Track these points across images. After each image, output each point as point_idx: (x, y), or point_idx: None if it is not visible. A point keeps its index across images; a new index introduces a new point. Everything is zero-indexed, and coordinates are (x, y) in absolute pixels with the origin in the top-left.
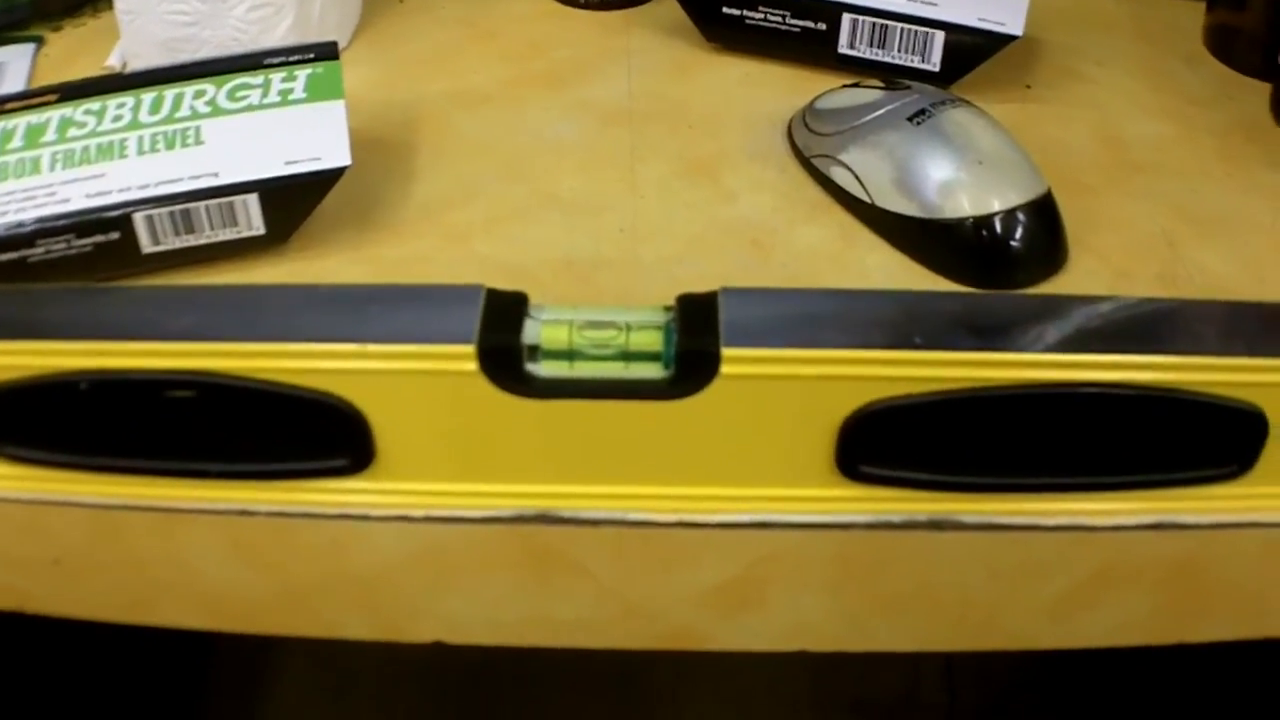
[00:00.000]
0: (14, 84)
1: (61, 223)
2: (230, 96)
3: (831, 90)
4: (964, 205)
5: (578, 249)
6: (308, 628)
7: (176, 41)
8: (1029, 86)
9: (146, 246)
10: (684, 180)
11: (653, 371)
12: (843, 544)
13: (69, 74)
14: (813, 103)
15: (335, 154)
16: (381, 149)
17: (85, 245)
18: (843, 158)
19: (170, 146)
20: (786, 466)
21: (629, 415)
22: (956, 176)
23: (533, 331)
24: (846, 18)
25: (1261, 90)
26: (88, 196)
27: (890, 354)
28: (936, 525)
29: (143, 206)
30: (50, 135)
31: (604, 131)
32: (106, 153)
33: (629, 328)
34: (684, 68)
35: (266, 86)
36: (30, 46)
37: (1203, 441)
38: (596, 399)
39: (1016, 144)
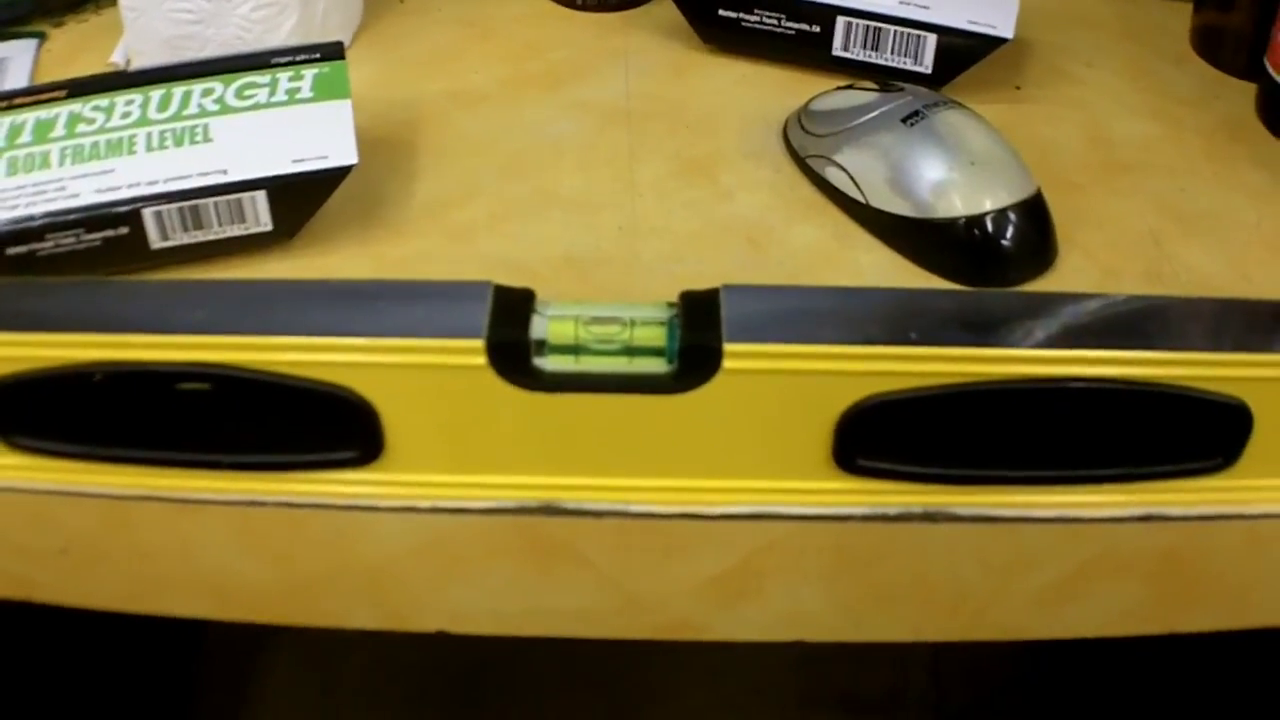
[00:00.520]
0: (17, 80)
1: (71, 217)
2: (238, 95)
3: (826, 92)
4: (956, 205)
5: (578, 247)
6: (313, 617)
7: (180, 39)
8: (1019, 87)
9: (155, 242)
10: (681, 180)
11: (656, 366)
12: (839, 535)
13: (72, 70)
14: (808, 104)
15: (342, 152)
16: (384, 148)
17: (94, 240)
18: (838, 158)
19: (179, 143)
20: (785, 459)
21: (632, 409)
22: (949, 177)
23: (540, 327)
24: (840, 20)
25: (1247, 90)
26: (97, 191)
27: (887, 349)
28: (930, 517)
29: (152, 202)
30: (59, 130)
31: (602, 131)
32: (115, 148)
33: (633, 323)
34: (681, 69)
35: (274, 85)
36: (33, 42)
37: (1189, 435)
38: (601, 393)
39: (1008, 145)
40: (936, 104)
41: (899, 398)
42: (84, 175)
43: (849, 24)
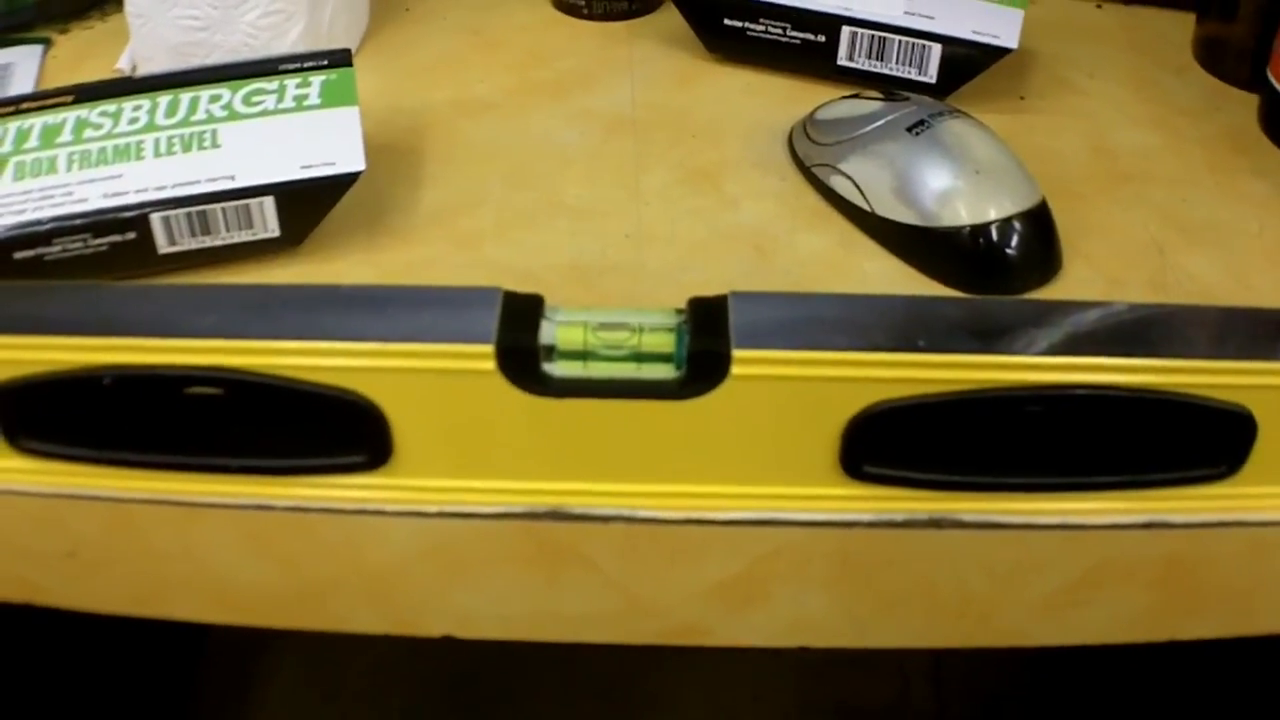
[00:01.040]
0: (22, 85)
1: (78, 222)
2: (246, 101)
3: (831, 101)
4: (961, 214)
5: (585, 254)
6: (319, 621)
7: (187, 46)
8: (1023, 98)
9: (163, 247)
10: (687, 188)
11: (664, 372)
12: (845, 542)
13: (78, 76)
14: (813, 113)
15: (350, 159)
16: (390, 155)
17: (101, 245)
18: (843, 167)
19: (187, 149)
20: (792, 465)
21: (640, 415)
22: (954, 185)
23: (549, 332)
24: (846, 30)
25: (1249, 101)
26: (105, 197)
27: (895, 356)
28: (936, 524)
29: (160, 207)
30: (66, 136)
31: (608, 140)
32: (123, 154)
33: (642, 329)
34: (686, 78)
35: (282, 91)
36: (38, 48)
37: (1193, 442)
38: (609, 398)
39: (1012, 154)
40: (942, 113)
41: (906, 404)
42: (91, 180)
43: (854, 34)
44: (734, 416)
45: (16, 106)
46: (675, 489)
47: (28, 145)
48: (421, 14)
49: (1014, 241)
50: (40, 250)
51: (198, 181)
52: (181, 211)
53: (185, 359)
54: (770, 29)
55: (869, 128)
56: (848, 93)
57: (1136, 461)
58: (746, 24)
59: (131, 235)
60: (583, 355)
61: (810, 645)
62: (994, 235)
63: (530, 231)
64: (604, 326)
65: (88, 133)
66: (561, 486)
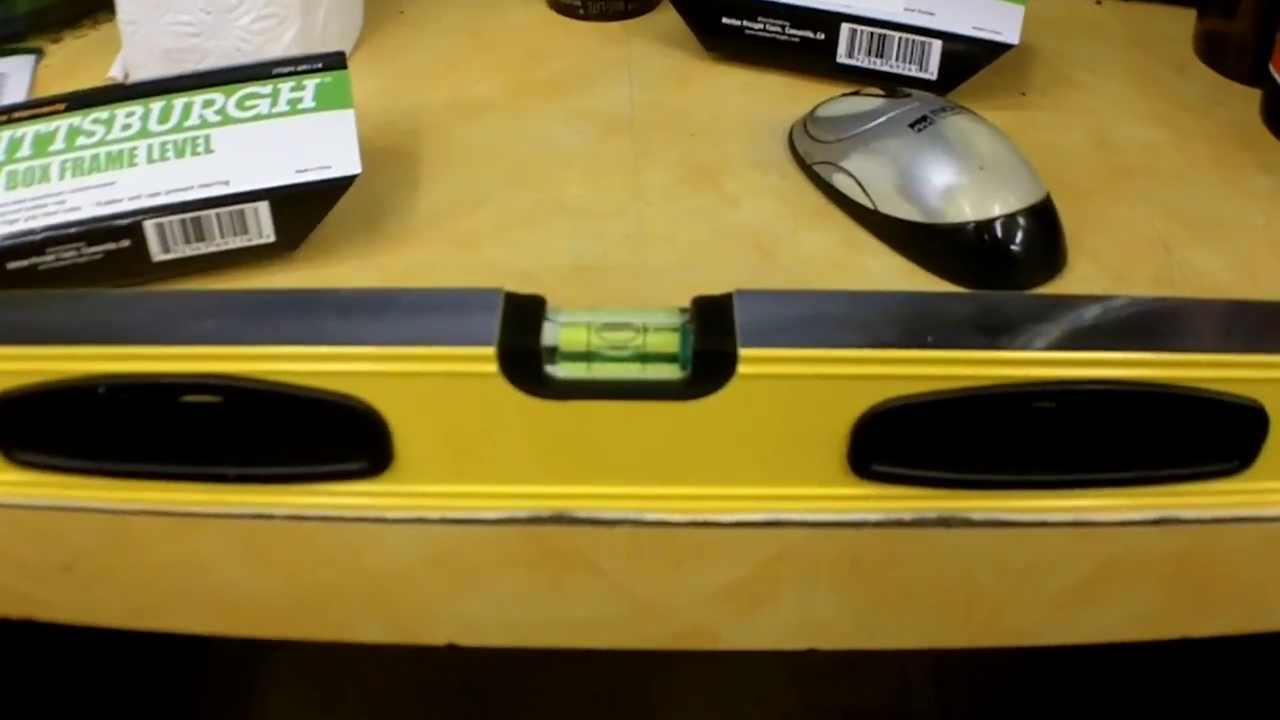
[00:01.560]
0: (14, 95)
1: (72, 230)
2: (239, 105)
3: (832, 98)
4: (965, 210)
5: (586, 255)
6: (321, 631)
7: (180, 52)
8: (1024, 94)
9: (157, 254)
10: (688, 187)
11: (669, 373)
12: (854, 542)
13: (70, 85)
14: (814, 111)
15: (345, 162)
16: (387, 158)
17: (95, 253)
18: (845, 164)
19: (180, 155)
20: (800, 466)
21: (645, 416)
22: (958, 182)
23: (551, 334)
24: (845, 27)
25: (1251, 96)
26: (98, 204)
27: (903, 353)
28: (945, 523)
29: (153, 214)
30: (59, 144)
31: (607, 139)
32: (116, 161)
33: (645, 329)
34: (684, 77)
35: (275, 95)
36: (30, 58)
37: (1205, 437)
38: (613, 400)
39: (1016, 149)
40: (944, 109)
41: (915, 402)
42: (84, 188)
43: (853, 31)
44: (740, 417)
45: (9, 116)
46: (681, 491)
47: (20, 154)
48: (416, 16)
49: (1019, 237)
50: (34, 260)
51: (191, 187)
52: (175, 218)
53: (181, 366)
54: (769, 27)
55: (871, 124)
56: (847, 90)
57: (1148, 457)
58: (745, 22)
59: (125, 243)
60: (586, 357)
61: (819, 647)
62: (999, 231)
63: (530, 232)
64: (607, 327)
65: (80, 140)
66: (565, 490)
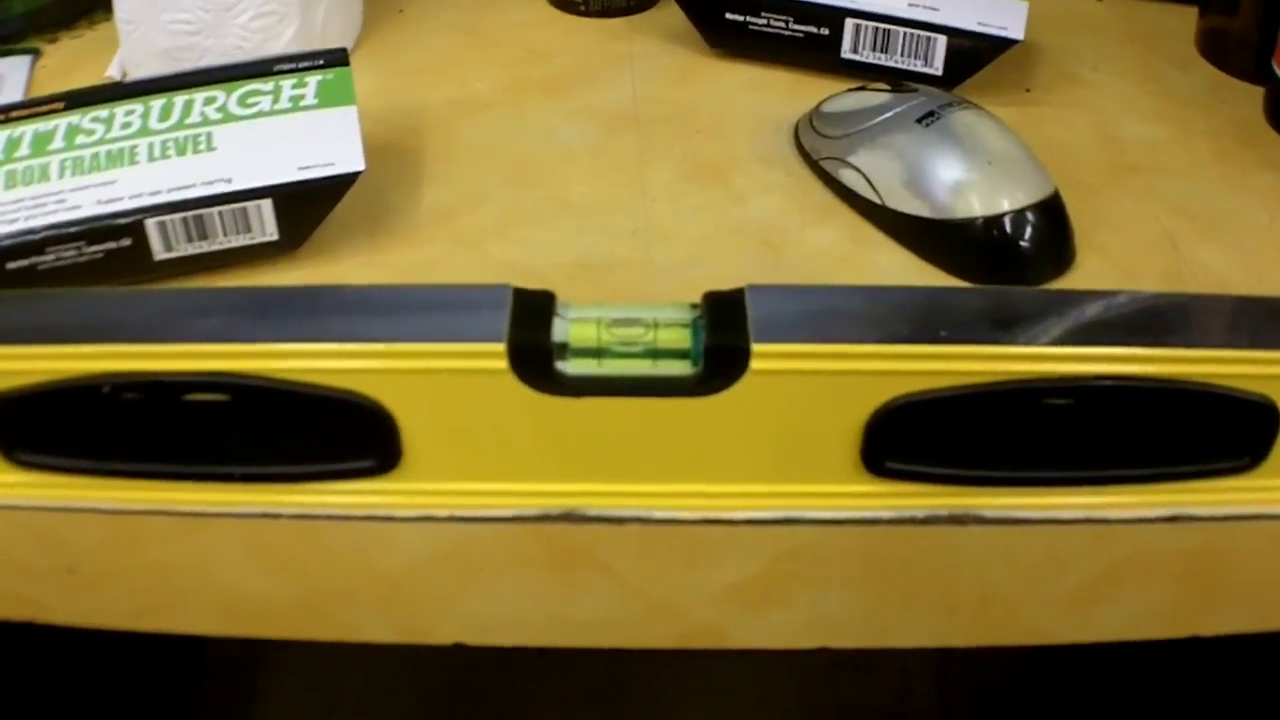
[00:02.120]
0: (11, 96)
1: (72, 229)
2: (241, 103)
3: (838, 94)
4: (974, 205)
5: (591, 252)
6: (327, 631)
7: (179, 50)
8: (1029, 90)
9: (159, 253)
10: (693, 183)
11: (680, 369)
12: (866, 540)
13: (67, 86)
14: (819, 106)
15: (349, 159)
16: (389, 156)
17: (96, 252)
18: (852, 160)
19: (181, 153)
20: (812, 462)
21: (655, 413)
22: (966, 177)
23: (561, 330)
24: (849, 23)
25: (1254, 94)
26: (99, 203)
27: (917, 348)
28: (958, 520)
29: (155, 213)
30: (58, 143)
31: (611, 136)
32: (116, 159)
33: (656, 325)
34: (688, 73)
35: (277, 93)
36: (27, 58)
37: (1217, 434)
38: (624, 396)
39: (1024, 145)
40: (951, 104)
41: (929, 398)
42: (85, 187)
43: (858, 26)
44: (753, 413)
45: (7, 115)
46: (692, 489)
47: (19, 153)
48: (415, 14)
49: (1028, 233)
50: (34, 259)
51: (193, 185)
52: (177, 216)
53: (186, 364)
54: (773, 22)
55: (878, 120)
56: (853, 86)
57: (1160, 454)
58: (748, 18)
59: (127, 242)
60: (596, 353)
61: (829, 646)
62: (1008, 227)
63: (535, 230)
64: (618, 323)
65: (80, 139)
66: (575, 488)
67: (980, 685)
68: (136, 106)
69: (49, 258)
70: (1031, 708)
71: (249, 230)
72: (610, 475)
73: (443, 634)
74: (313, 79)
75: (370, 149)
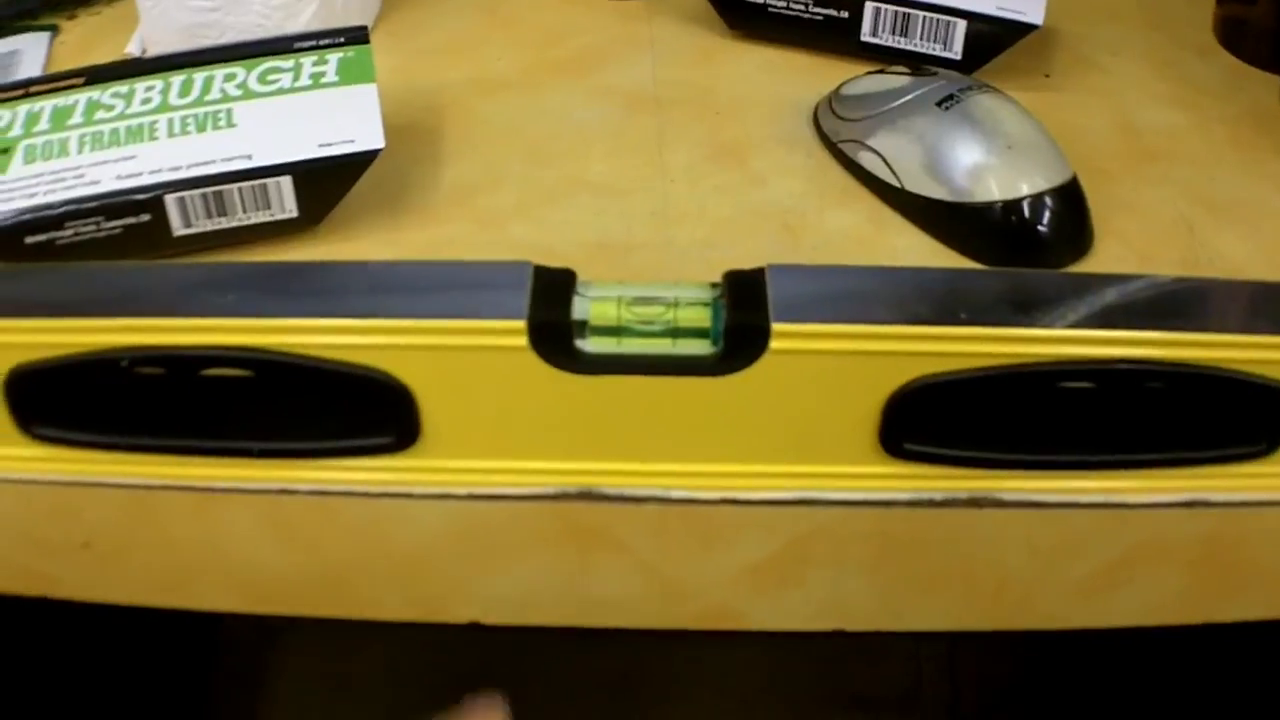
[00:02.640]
0: (30, 73)
1: (91, 205)
2: (261, 80)
3: (857, 76)
4: (993, 189)
5: (610, 232)
6: (343, 608)
7: (198, 27)
8: (1048, 75)
9: (178, 229)
10: (712, 164)
11: (700, 348)
12: (883, 522)
13: (86, 62)
14: (839, 89)
15: (369, 137)
16: (408, 135)
17: (115, 227)
18: (871, 142)
19: (201, 129)
20: (831, 443)
21: (675, 392)
22: (986, 161)
23: (581, 308)
24: (869, 6)
25: (1271, 82)
26: (118, 178)
27: (937, 330)
28: (976, 503)
29: (175, 188)
30: (77, 118)
31: (629, 117)
32: (136, 135)
33: (677, 304)
34: (707, 55)
35: (297, 70)
36: (45, 35)
37: (1234, 419)
38: (644, 375)
39: (1043, 129)
40: (971, 88)
41: (948, 379)
42: (104, 162)
43: (877, 9)
44: (772, 393)
45: (26, 90)
46: (710, 468)
47: (38, 128)
48: None
49: (1046, 217)
50: (52, 234)
51: (213, 161)
52: (197, 192)
53: (205, 339)
54: (792, 5)
55: (897, 103)
56: (872, 69)
57: (1177, 438)
58: (767, 1)
59: (146, 217)
60: (616, 331)
61: (845, 629)
62: (1026, 211)
63: (554, 209)
64: (638, 301)
65: (99, 114)
66: (593, 466)
67: (991, 674)
68: (157, 82)
69: (68, 233)
70: (1041, 696)
71: (268, 207)
72: (628, 454)
73: (458, 612)
74: (333, 56)
75: (389, 128)
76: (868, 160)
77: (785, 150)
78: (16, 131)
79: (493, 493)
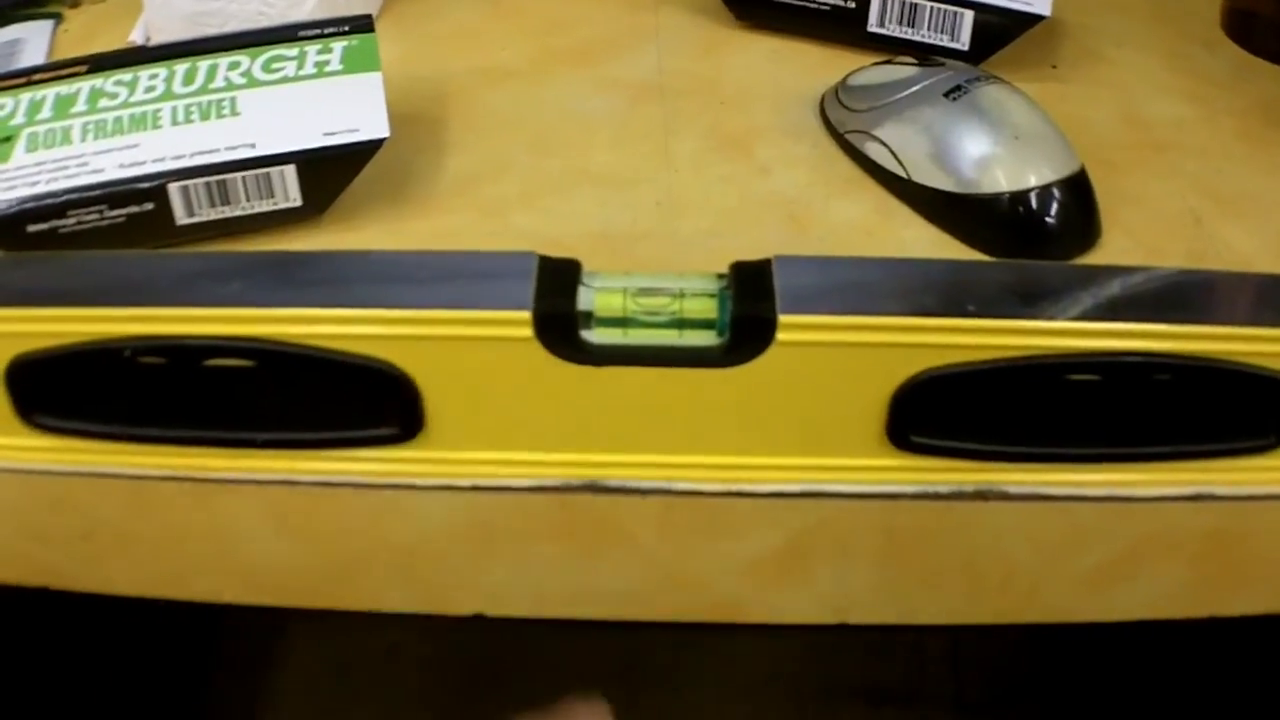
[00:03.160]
0: (33, 60)
1: (94, 193)
2: (265, 68)
3: (864, 67)
4: (1000, 180)
5: (615, 222)
6: (345, 600)
7: (202, 16)
8: (1054, 66)
9: (181, 218)
10: (717, 155)
11: (707, 339)
12: (889, 515)
13: (89, 50)
14: (846, 79)
15: (374, 125)
16: (412, 124)
17: (118, 216)
18: (878, 133)
19: (205, 117)
20: (837, 436)
21: (681, 383)
22: (993, 152)
23: (587, 298)
24: None
25: (1278, 74)
26: (121, 167)
27: (945, 321)
28: (982, 495)
29: (178, 177)
30: (80, 106)
31: (635, 107)
32: (139, 123)
33: (683, 295)
34: (713, 45)
35: (302, 58)
36: (48, 23)
37: (1241, 412)
38: (650, 366)
39: (1050, 120)
40: (978, 79)
41: (955, 372)
42: (107, 150)
43: (885, 0)
44: (778, 385)
45: (29, 78)
46: (716, 460)
47: (40, 116)
48: None
49: (1054, 209)
50: (54, 223)
51: (217, 150)
52: (200, 181)
53: (209, 328)
54: None
55: (904, 93)
56: (879, 59)
57: (1184, 431)
58: None
59: (149, 206)
60: (622, 322)
61: (850, 622)
62: (1034, 202)
63: (558, 199)
64: (644, 292)
65: (103, 102)
66: (599, 458)
67: (994, 667)
68: (160, 71)
69: (70, 221)
70: (1045, 689)
71: (272, 196)
72: (634, 446)
73: (462, 604)
74: (338, 45)
75: (394, 117)
76: (874, 151)
77: (791, 141)
78: (19, 119)
79: (497, 484)
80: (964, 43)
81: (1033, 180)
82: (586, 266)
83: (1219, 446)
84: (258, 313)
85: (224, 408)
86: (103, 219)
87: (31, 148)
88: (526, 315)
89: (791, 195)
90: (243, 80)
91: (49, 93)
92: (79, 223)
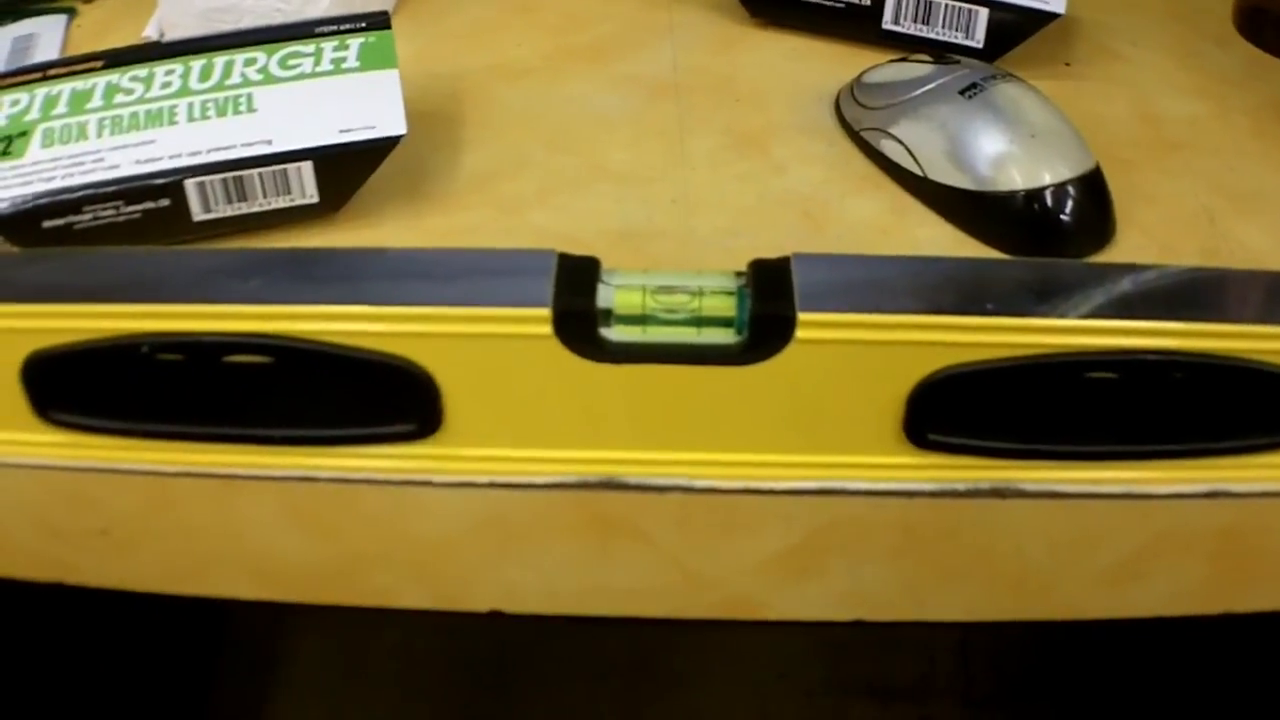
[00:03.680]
0: (47, 55)
1: (110, 189)
2: (282, 65)
3: (880, 64)
4: (1016, 178)
5: (631, 220)
6: (362, 597)
7: (217, 12)
8: (1068, 64)
9: (198, 214)
10: (733, 153)
11: (725, 337)
12: (906, 512)
13: (104, 45)
14: (861, 77)
15: (390, 122)
16: (428, 121)
17: (134, 212)
18: (894, 131)
19: (221, 114)
20: (855, 433)
21: (699, 381)
22: (1009, 150)
23: (606, 296)
24: None
25: None
26: (137, 163)
27: (963, 320)
28: (999, 493)
29: (195, 173)
30: (96, 101)
31: (650, 104)
32: (156, 119)
33: (701, 293)
34: (728, 43)
35: (318, 55)
36: (62, 18)
37: (1258, 410)
38: (668, 364)
39: (1066, 118)
40: (994, 77)
41: (973, 370)
42: (123, 146)
43: None
44: (796, 383)
45: (44, 73)
46: (733, 458)
47: (56, 111)
48: None
49: (1069, 207)
50: (70, 219)
51: (233, 146)
52: (217, 177)
53: (226, 325)
54: None
55: (920, 91)
56: (894, 57)
57: (1199, 429)
58: None
59: (165, 202)
60: (641, 319)
61: (866, 619)
62: (1049, 200)
63: (574, 197)
64: (663, 290)
65: (118, 98)
66: (616, 455)
67: (1003, 661)
68: (176, 66)
69: (86, 217)
70: (1054, 685)
71: (288, 192)
72: (652, 443)
73: (479, 601)
74: (354, 42)
75: (410, 114)
76: (890, 149)
77: (807, 139)
78: (34, 115)
79: (515, 481)
80: (979, 40)
81: (1048, 178)
82: (603, 264)
83: (1234, 444)
84: (275, 309)
85: (241, 404)
86: (119, 215)
87: (47, 143)
88: (546, 312)
89: (807, 193)
90: (259, 76)
91: (64, 88)
92: (95, 218)
